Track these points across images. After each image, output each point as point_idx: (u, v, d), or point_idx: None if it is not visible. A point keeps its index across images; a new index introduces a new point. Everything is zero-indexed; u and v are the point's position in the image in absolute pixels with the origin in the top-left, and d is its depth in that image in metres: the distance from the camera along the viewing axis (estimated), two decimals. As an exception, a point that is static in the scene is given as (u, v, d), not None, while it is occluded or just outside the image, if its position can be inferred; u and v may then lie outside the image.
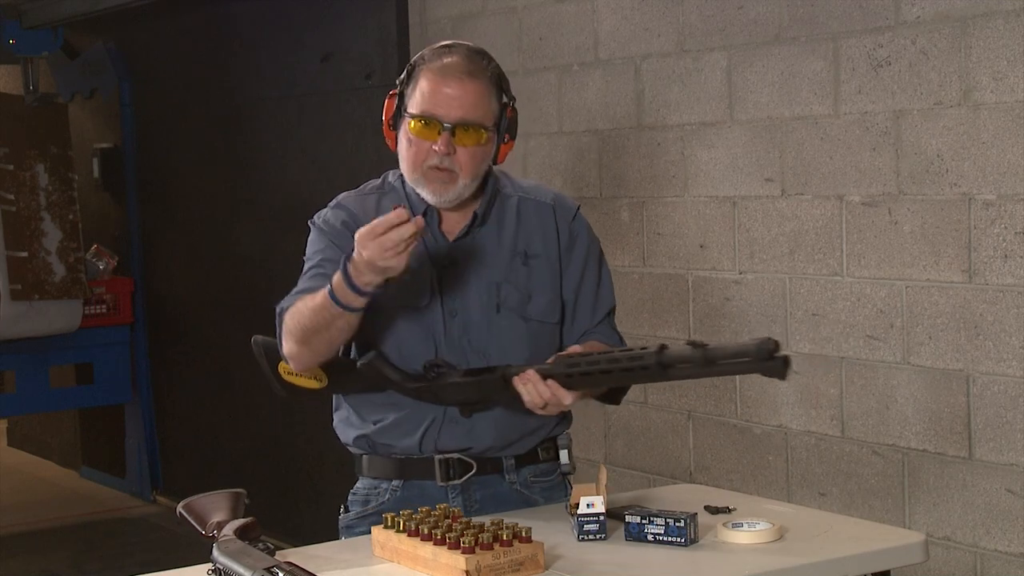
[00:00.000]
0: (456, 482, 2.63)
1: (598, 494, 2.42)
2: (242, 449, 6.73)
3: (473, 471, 2.63)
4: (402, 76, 2.61)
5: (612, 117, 4.46)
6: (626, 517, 2.39)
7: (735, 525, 2.40)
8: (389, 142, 2.63)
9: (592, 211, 4.35)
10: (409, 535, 2.29)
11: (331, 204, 2.70)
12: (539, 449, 2.70)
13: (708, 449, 4.23)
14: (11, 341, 6.83)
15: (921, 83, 3.53)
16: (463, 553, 2.17)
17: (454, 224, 2.64)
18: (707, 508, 2.56)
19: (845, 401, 3.80)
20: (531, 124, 4.67)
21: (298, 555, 2.38)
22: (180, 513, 2.44)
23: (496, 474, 2.66)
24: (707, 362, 2.27)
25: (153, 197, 7.47)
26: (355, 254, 2.36)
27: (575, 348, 2.51)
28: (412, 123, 2.54)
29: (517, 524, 2.25)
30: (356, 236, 2.35)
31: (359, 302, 2.41)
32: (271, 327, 2.59)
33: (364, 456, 2.70)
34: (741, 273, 4.07)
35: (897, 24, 3.58)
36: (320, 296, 2.44)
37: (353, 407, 2.69)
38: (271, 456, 6.47)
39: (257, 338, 2.64)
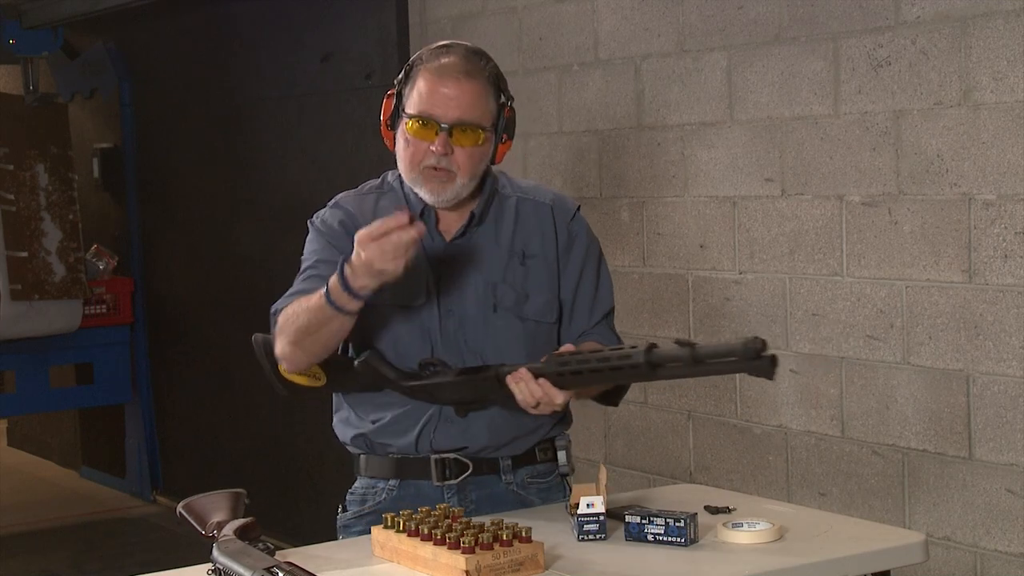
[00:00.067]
0: (452, 482, 2.63)
1: (598, 494, 2.42)
2: (242, 449, 6.73)
3: (469, 471, 2.63)
4: (400, 76, 2.61)
5: (612, 117, 4.46)
6: (626, 517, 2.39)
7: (735, 525, 2.40)
8: (387, 142, 2.63)
9: (592, 211, 4.35)
10: (409, 535, 2.29)
11: (329, 204, 2.70)
12: (537, 450, 2.69)
13: (708, 449, 4.23)
14: (11, 341, 6.82)
15: (921, 83, 3.53)
16: (463, 553, 2.17)
17: (451, 224, 2.64)
18: (707, 508, 2.55)
19: (845, 401, 3.80)
20: (531, 124, 4.67)
21: (298, 555, 2.38)
22: (180, 513, 2.44)
23: (492, 474, 2.66)
24: (695, 361, 2.26)
25: (153, 197, 7.47)
26: (353, 256, 2.36)
27: (567, 347, 2.50)
28: (410, 123, 2.54)
29: (517, 524, 2.25)
30: (356, 237, 2.35)
31: (354, 305, 2.41)
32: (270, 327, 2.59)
33: (362, 456, 2.70)
34: (741, 273, 4.07)
35: (897, 24, 3.57)
36: (315, 298, 2.44)
37: (353, 407, 2.69)
38: (271, 456, 6.47)
39: (257, 336, 2.63)
